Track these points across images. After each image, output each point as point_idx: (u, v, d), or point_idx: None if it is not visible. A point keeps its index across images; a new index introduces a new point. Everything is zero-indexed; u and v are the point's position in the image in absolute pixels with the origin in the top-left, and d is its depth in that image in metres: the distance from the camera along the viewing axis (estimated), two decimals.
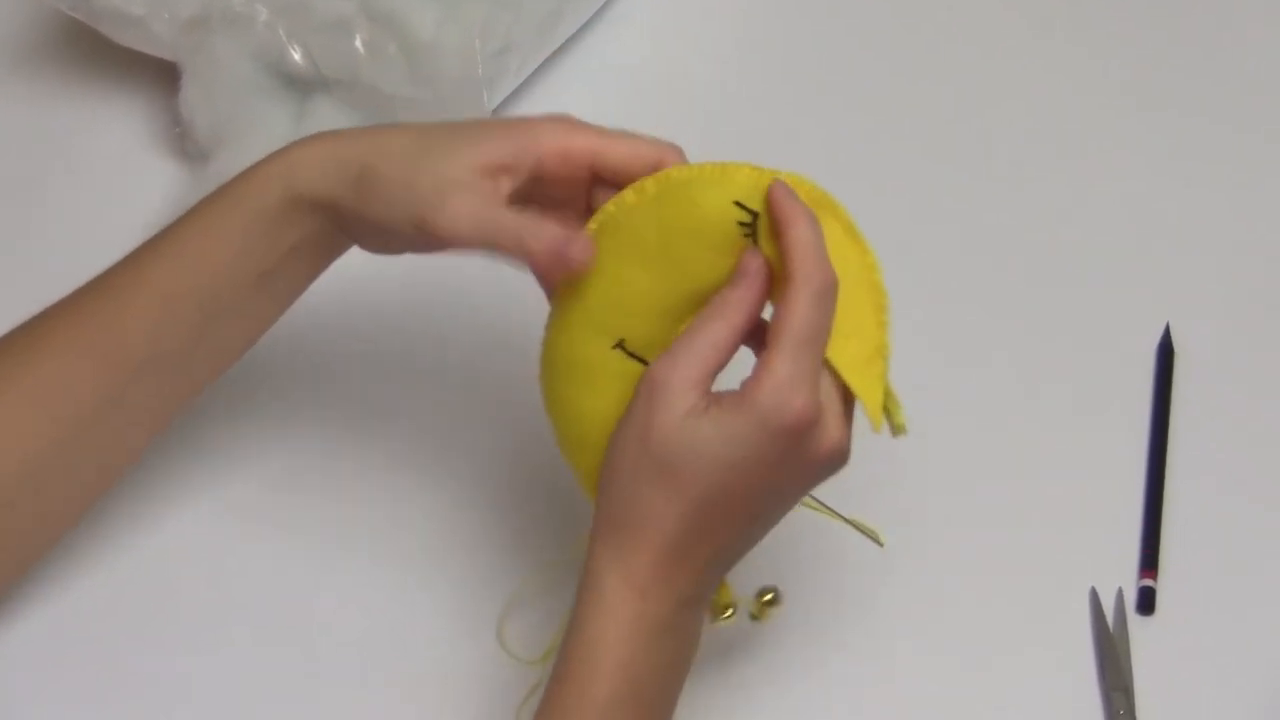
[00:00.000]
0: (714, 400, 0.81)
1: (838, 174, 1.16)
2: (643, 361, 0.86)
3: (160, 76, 1.16)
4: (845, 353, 0.83)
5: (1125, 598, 0.99)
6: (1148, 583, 0.99)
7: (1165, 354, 1.08)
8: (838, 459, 0.83)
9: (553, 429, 0.89)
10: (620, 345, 0.86)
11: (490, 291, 1.03)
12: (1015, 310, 1.11)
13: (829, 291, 0.82)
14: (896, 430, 0.85)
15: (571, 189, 0.88)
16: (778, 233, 0.82)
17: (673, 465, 0.81)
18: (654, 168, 0.86)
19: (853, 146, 1.18)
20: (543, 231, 0.84)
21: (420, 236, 0.86)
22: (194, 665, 0.97)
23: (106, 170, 1.17)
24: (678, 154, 0.87)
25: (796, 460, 0.82)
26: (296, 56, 1.10)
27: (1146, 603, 0.99)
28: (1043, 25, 1.25)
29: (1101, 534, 1.01)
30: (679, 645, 0.85)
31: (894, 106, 1.21)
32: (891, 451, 1.04)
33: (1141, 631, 0.98)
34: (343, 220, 0.89)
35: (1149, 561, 1.00)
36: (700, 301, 0.84)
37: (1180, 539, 1.01)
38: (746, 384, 0.81)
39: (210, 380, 0.94)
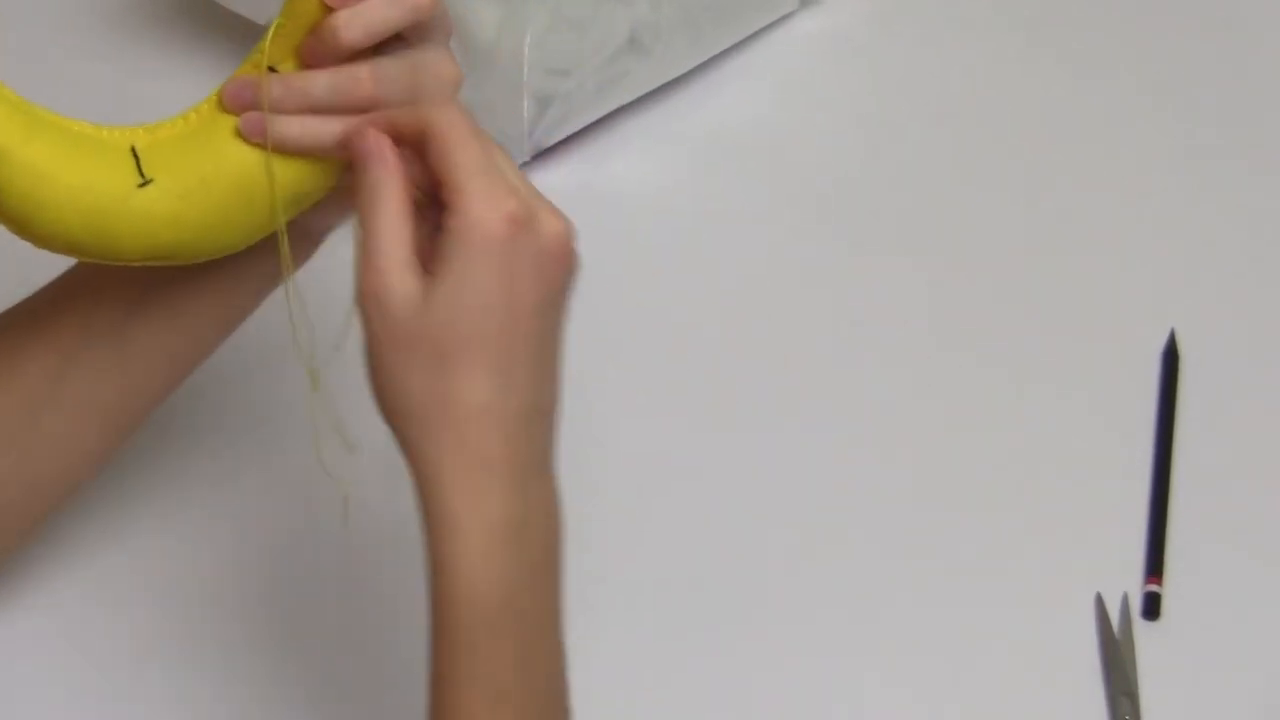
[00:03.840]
0: (431, 265, 0.78)
1: (838, 176, 1.17)
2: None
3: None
4: None
5: (1130, 603, 0.99)
6: (1153, 588, 0.99)
7: (1170, 359, 1.08)
8: (568, 245, 0.79)
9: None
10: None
11: None
12: (1019, 315, 1.11)
13: (463, 119, 0.80)
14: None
15: None
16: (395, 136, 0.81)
17: (439, 346, 0.77)
18: None
19: (856, 152, 1.18)
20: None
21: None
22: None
23: None
24: None
25: (532, 261, 0.78)
26: None
27: (1152, 608, 0.99)
28: (1043, 28, 1.25)
29: (1107, 539, 1.01)
30: (547, 525, 0.80)
31: (900, 110, 1.21)
32: (900, 460, 1.05)
33: (1147, 637, 0.98)
34: None
35: (1154, 567, 1.00)
36: None
37: (1185, 544, 1.01)
38: (447, 223, 0.78)
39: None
